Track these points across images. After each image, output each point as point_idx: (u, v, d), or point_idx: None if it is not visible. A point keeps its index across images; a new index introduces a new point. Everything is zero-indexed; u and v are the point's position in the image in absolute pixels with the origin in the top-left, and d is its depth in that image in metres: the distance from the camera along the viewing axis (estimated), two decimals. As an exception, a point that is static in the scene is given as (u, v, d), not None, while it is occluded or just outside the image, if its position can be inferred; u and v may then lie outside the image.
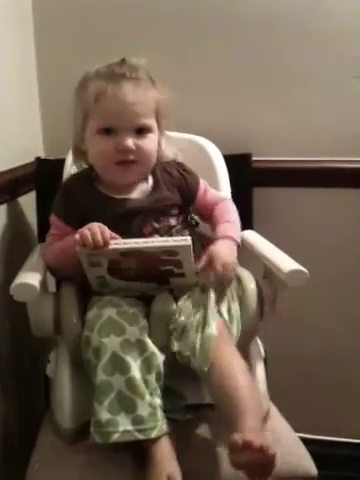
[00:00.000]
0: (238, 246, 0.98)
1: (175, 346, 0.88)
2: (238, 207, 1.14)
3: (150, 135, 0.96)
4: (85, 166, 1.04)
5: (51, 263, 0.99)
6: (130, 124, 0.94)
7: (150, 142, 0.96)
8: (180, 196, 1.02)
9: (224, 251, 0.94)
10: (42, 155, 1.30)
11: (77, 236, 0.87)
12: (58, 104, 1.30)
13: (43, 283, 0.94)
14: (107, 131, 0.94)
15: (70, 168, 1.12)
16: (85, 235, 0.86)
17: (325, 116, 1.26)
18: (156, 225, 0.97)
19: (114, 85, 0.92)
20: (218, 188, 1.14)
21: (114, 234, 0.88)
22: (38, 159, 1.23)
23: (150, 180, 1.02)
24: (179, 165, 1.05)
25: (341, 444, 1.42)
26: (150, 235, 0.95)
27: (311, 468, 0.89)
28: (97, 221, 0.90)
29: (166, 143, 1.03)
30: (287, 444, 0.92)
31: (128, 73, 0.93)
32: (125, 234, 0.91)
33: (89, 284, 0.94)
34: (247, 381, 0.82)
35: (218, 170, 1.16)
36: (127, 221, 0.96)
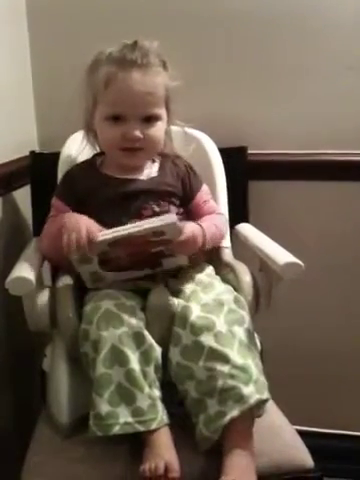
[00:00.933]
0: (203, 245, 0.96)
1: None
2: (233, 200, 1.15)
3: (158, 123, 0.97)
4: (95, 144, 1.07)
5: (45, 249, 0.99)
6: (138, 113, 0.95)
7: (157, 130, 0.97)
8: (182, 189, 1.03)
9: (194, 226, 0.94)
10: (36, 149, 1.30)
11: (64, 240, 0.87)
12: (52, 98, 1.31)
13: (39, 277, 0.93)
14: (115, 118, 0.95)
15: (66, 160, 1.12)
16: (69, 241, 0.86)
17: (321, 109, 1.25)
18: (156, 209, 0.98)
19: (124, 72, 0.93)
20: (213, 181, 1.13)
21: (98, 226, 0.89)
22: (32, 153, 1.22)
23: (156, 165, 1.04)
24: (188, 164, 1.07)
25: (338, 436, 1.42)
26: (148, 218, 0.94)
27: (308, 460, 0.89)
28: (98, 201, 0.95)
29: (180, 144, 1.07)
30: (284, 437, 0.92)
31: (139, 59, 0.93)
32: (125, 215, 0.93)
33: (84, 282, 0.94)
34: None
35: (213, 163, 1.15)
36: (128, 202, 0.97)
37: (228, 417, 0.81)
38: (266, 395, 0.85)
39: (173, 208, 1.00)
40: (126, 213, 0.95)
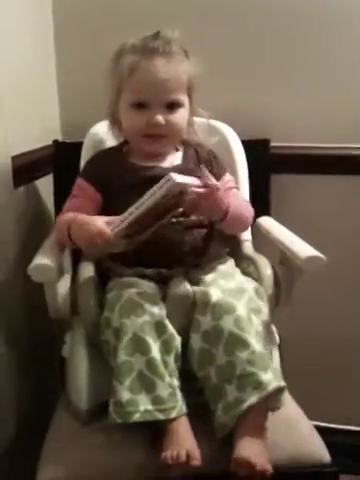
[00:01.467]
0: (225, 217, 0.93)
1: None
2: (255, 193, 1.14)
3: (181, 110, 0.99)
4: (119, 136, 1.08)
5: (61, 237, 0.97)
6: (161, 99, 0.96)
7: (180, 116, 0.99)
8: None
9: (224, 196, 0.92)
10: (60, 138, 1.31)
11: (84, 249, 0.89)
12: (76, 87, 1.32)
13: (60, 265, 0.94)
14: (139, 105, 0.97)
15: (89, 150, 1.12)
16: (90, 250, 0.88)
17: (346, 102, 1.24)
18: None
19: (147, 60, 0.95)
20: (235, 173, 1.13)
21: (107, 219, 0.88)
22: (55, 142, 1.23)
23: (180, 153, 1.05)
24: (211, 151, 1.07)
25: (356, 433, 1.41)
26: None
27: (325, 455, 0.88)
28: (120, 186, 0.97)
29: (204, 135, 1.07)
30: (301, 431, 0.92)
31: (161, 47, 0.95)
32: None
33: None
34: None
35: (236, 155, 1.15)
36: (150, 188, 0.95)
37: (247, 403, 0.81)
38: (283, 383, 0.85)
39: None
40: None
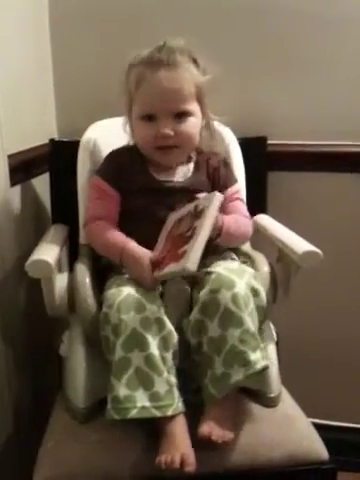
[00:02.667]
0: (220, 235, 0.95)
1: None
2: (252, 191, 1.14)
3: (191, 119, 0.98)
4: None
5: (98, 248, 1.00)
6: (169, 110, 0.96)
7: (190, 126, 0.98)
8: (212, 184, 1.04)
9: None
10: (56, 137, 1.31)
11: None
12: (72, 86, 1.32)
13: (58, 261, 0.94)
14: (148, 117, 0.97)
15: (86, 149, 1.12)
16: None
17: (342, 100, 1.24)
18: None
19: (152, 73, 0.96)
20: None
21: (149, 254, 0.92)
22: (52, 141, 1.23)
23: (192, 164, 1.05)
24: (223, 160, 1.07)
25: (354, 430, 1.41)
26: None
27: (323, 452, 0.89)
28: (136, 193, 0.99)
29: (219, 140, 1.08)
30: (299, 428, 0.92)
31: (166, 59, 0.95)
32: (158, 207, 0.97)
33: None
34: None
35: (232, 153, 1.14)
36: (163, 199, 0.99)
37: (233, 379, 0.84)
38: (268, 362, 0.88)
39: None
40: (161, 207, 0.98)
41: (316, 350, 1.37)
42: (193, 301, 0.91)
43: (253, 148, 1.19)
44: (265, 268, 0.99)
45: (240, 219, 1.01)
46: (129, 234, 0.96)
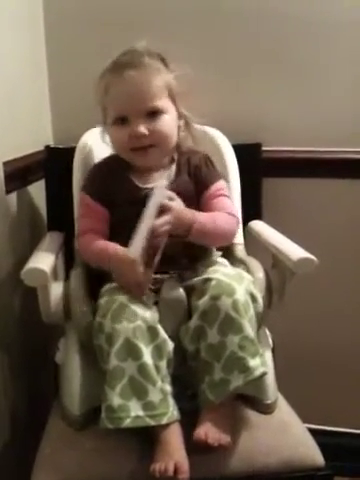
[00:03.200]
0: (189, 232, 0.92)
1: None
2: (247, 197, 1.14)
3: (164, 116, 0.97)
4: None
5: (89, 260, 0.99)
6: (139, 109, 0.95)
7: (164, 124, 0.97)
8: (194, 183, 1.02)
9: (185, 212, 0.92)
10: (51, 144, 1.31)
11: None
12: (68, 93, 1.32)
13: (53, 269, 0.94)
14: (121, 121, 0.96)
15: (81, 155, 1.12)
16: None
17: (336, 106, 1.24)
18: None
19: (118, 76, 0.95)
20: (227, 178, 1.13)
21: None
22: (47, 147, 1.23)
23: (173, 168, 1.03)
24: (204, 157, 1.05)
25: (350, 435, 1.41)
26: None
27: (318, 458, 0.89)
28: (120, 206, 0.97)
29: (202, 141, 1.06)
30: (294, 434, 0.92)
31: (130, 61, 0.95)
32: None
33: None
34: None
35: (227, 160, 1.15)
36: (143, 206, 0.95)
37: (232, 385, 0.85)
38: (267, 369, 0.88)
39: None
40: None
41: (312, 356, 1.37)
42: (191, 308, 0.91)
43: (248, 154, 1.20)
44: (260, 274, 0.99)
45: (220, 217, 0.97)
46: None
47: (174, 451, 0.81)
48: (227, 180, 1.12)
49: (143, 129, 0.95)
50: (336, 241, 1.30)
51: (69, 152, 1.13)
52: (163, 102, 0.97)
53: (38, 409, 1.10)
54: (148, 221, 0.86)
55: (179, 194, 0.95)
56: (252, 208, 1.18)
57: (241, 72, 1.26)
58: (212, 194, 1.01)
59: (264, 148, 1.23)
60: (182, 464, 0.79)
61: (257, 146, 1.22)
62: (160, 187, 0.90)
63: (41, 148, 1.23)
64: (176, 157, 1.04)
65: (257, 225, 1.17)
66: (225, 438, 0.83)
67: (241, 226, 1.11)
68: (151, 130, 0.95)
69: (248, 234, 1.15)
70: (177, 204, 0.92)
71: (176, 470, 0.78)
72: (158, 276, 0.95)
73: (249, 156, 1.20)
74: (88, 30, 1.28)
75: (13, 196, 1.15)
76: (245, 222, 1.14)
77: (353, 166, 1.27)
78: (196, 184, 1.02)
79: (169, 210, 0.89)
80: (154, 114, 0.96)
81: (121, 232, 0.93)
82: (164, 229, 0.88)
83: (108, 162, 1.05)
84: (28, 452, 0.92)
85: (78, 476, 0.84)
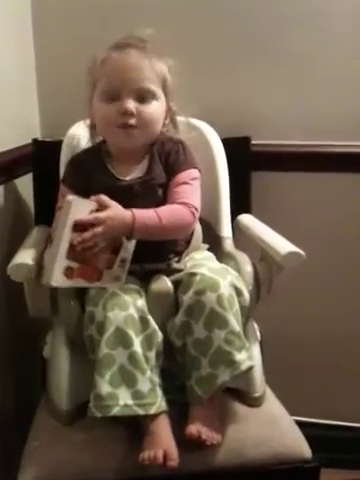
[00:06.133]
0: (132, 232, 0.90)
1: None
2: (236, 191, 1.14)
3: (154, 102, 0.96)
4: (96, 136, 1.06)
5: None
6: (132, 86, 0.94)
7: (152, 109, 0.96)
8: (164, 170, 1.00)
9: (120, 215, 0.89)
10: (39, 137, 1.29)
11: None
12: (55, 86, 1.31)
13: (40, 264, 0.93)
14: (110, 98, 0.95)
15: (68, 149, 1.11)
16: None
17: (326, 100, 1.24)
18: (147, 206, 0.95)
19: (120, 51, 0.96)
20: (215, 172, 1.13)
21: None
22: (35, 141, 1.22)
23: (147, 160, 1.01)
24: (181, 145, 1.02)
25: (336, 427, 1.42)
26: None
27: (306, 450, 0.90)
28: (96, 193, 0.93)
29: (184, 128, 1.05)
30: (282, 426, 0.93)
31: (135, 42, 0.96)
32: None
33: None
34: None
35: (216, 153, 1.14)
36: (124, 200, 0.94)
37: (220, 380, 0.85)
38: (253, 362, 0.89)
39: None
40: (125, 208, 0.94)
41: (299, 348, 1.37)
42: (178, 302, 0.91)
43: (237, 148, 1.19)
44: (248, 268, 0.99)
45: (165, 210, 0.93)
46: None
47: (162, 440, 0.81)
48: (216, 174, 1.12)
49: (132, 107, 0.94)
50: (325, 235, 1.30)
51: (57, 145, 1.12)
52: (156, 88, 0.97)
53: (26, 403, 1.10)
54: (64, 243, 0.85)
55: (153, 186, 0.96)
56: (241, 202, 1.18)
57: (231, 65, 1.25)
58: (175, 182, 0.98)
59: (253, 142, 1.22)
60: (171, 451, 0.80)
61: (246, 139, 1.22)
62: (75, 203, 0.86)
63: (29, 141, 1.21)
64: (153, 147, 1.01)
65: (246, 219, 1.17)
66: (217, 437, 0.84)
67: (230, 220, 1.11)
68: (139, 112, 0.95)
69: (237, 228, 1.15)
70: (110, 211, 0.88)
71: (165, 457, 0.79)
72: (147, 265, 0.96)
73: (238, 150, 1.20)
74: (77, 22, 1.27)
75: (0, 190, 1.14)
76: (234, 216, 1.14)
77: (343, 160, 1.26)
78: (166, 172, 1.00)
79: (99, 223, 0.86)
80: (145, 98, 0.95)
81: None
82: (94, 241, 0.86)
83: (84, 153, 1.05)
84: (16, 446, 0.92)
85: (66, 470, 0.84)
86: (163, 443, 0.81)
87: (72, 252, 0.86)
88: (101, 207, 0.88)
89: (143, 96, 0.95)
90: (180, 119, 1.06)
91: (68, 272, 0.86)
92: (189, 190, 0.98)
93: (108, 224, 0.87)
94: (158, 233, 0.93)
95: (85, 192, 0.97)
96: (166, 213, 0.93)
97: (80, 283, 0.88)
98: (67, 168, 1.05)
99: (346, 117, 1.24)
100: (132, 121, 0.95)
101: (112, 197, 0.91)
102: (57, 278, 0.85)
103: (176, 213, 0.95)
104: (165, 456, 0.79)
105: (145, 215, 0.91)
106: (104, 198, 0.89)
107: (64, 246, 0.85)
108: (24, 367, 1.21)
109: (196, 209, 0.96)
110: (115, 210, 0.89)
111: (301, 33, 1.21)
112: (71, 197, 0.87)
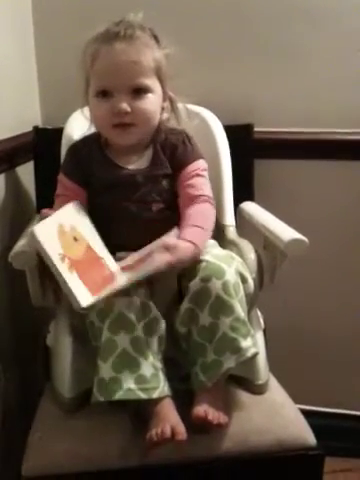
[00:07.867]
0: (199, 254, 0.89)
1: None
2: (239, 179, 1.13)
3: (149, 96, 0.94)
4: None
5: None
6: (124, 84, 0.92)
7: (148, 103, 0.94)
8: (170, 163, 0.99)
9: (183, 252, 0.86)
10: (40, 124, 1.29)
11: None
12: (56, 73, 1.30)
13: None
14: (104, 94, 0.93)
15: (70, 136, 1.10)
16: None
17: (328, 87, 1.23)
18: (151, 197, 0.96)
19: (107, 46, 0.91)
20: (218, 159, 1.12)
21: None
22: (36, 128, 1.21)
23: (151, 149, 0.99)
24: (184, 136, 1.00)
25: (340, 416, 1.43)
26: (145, 204, 0.96)
27: (310, 438, 0.89)
28: (97, 184, 0.95)
29: (185, 116, 1.03)
30: (286, 414, 0.93)
31: (122, 31, 0.91)
32: (126, 200, 0.94)
33: None
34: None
35: (218, 141, 1.13)
36: (128, 191, 0.95)
37: (225, 366, 0.85)
38: (257, 349, 0.88)
39: (164, 193, 0.97)
40: (127, 199, 0.95)
41: (304, 336, 1.37)
42: (182, 289, 0.91)
43: (240, 135, 1.18)
44: (251, 255, 0.98)
45: (199, 218, 0.93)
46: (106, 235, 0.93)
47: (169, 416, 0.81)
48: (218, 161, 1.11)
49: (125, 106, 0.91)
50: (328, 222, 1.30)
51: (58, 133, 1.12)
52: (150, 80, 0.93)
53: (29, 392, 1.10)
54: (59, 267, 0.83)
55: (157, 176, 0.96)
56: (244, 189, 1.17)
57: (233, 52, 1.24)
58: (187, 175, 0.97)
59: (256, 129, 1.21)
60: (178, 426, 0.80)
61: (249, 127, 1.21)
62: (38, 231, 0.85)
63: (29, 129, 1.21)
64: (155, 138, 1.00)
65: (249, 206, 1.16)
66: (223, 417, 0.84)
67: (232, 207, 1.11)
68: (134, 108, 0.92)
69: (240, 216, 1.14)
70: (178, 253, 0.86)
71: (173, 432, 0.79)
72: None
73: (241, 137, 1.19)
74: (76, 9, 1.26)
75: (1, 178, 1.14)
76: (237, 203, 1.14)
77: (345, 147, 1.26)
78: (173, 165, 0.98)
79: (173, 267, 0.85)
80: (139, 92, 0.93)
81: (102, 218, 0.94)
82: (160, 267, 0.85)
83: (84, 141, 1.03)
84: (20, 435, 0.92)
85: (69, 459, 0.84)
86: (169, 419, 0.81)
87: (71, 266, 0.85)
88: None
89: (137, 91, 0.93)
90: (181, 106, 1.04)
91: (90, 286, 0.85)
92: (203, 182, 0.98)
93: (179, 265, 0.86)
94: (207, 237, 0.94)
95: (84, 181, 0.98)
96: (202, 219, 0.93)
97: (107, 290, 0.85)
98: (66, 156, 1.04)
99: (349, 105, 1.23)
100: (127, 119, 0.93)
101: (114, 186, 0.91)
102: (82, 298, 0.83)
103: (206, 214, 0.95)
104: (173, 431, 0.79)
105: (197, 235, 0.90)
106: (167, 241, 0.87)
107: (62, 268, 0.84)
108: (28, 356, 1.21)
109: (213, 201, 0.98)
110: (180, 252, 0.86)
111: (304, 21, 1.20)
112: (31, 229, 0.86)
